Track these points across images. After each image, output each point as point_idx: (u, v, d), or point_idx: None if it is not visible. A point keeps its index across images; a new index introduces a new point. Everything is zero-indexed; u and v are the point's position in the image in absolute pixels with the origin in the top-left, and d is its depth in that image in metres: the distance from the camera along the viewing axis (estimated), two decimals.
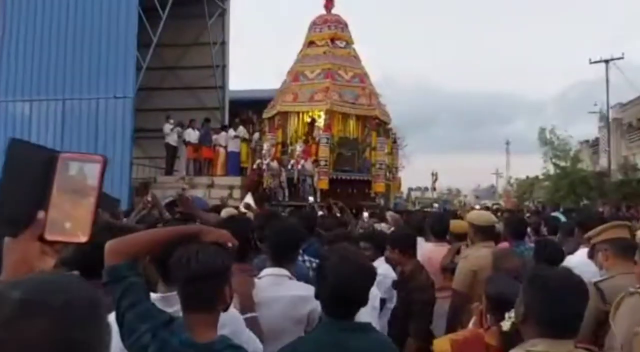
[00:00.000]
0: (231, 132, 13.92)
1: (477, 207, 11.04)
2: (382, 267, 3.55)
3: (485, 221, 3.63)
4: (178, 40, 18.02)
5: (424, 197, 58.76)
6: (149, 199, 5.08)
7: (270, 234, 2.74)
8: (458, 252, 4.33)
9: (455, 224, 4.67)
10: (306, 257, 3.36)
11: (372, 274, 1.87)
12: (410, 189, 52.11)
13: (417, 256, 4.41)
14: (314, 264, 3.25)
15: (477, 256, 3.46)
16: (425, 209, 18.78)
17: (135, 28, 13.85)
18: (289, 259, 2.66)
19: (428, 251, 4.32)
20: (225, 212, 6.91)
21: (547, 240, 3.51)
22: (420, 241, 4.80)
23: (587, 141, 31.38)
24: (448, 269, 4.03)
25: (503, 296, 2.01)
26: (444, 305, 3.93)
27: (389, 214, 8.05)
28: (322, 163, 12.09)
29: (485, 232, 3.60)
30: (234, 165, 13.90)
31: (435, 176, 49.77)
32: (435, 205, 13.22)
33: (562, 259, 3.06)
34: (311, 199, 11.12)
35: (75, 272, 2.14)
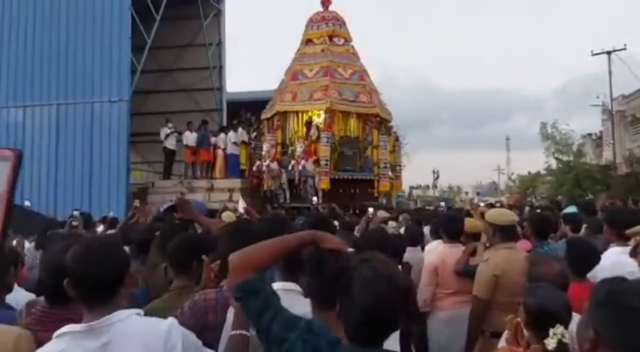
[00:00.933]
0: (231, 135, 13.61)
1: (482, 204, 10.72)
2: None
3: (506, 220, 3.32)
4: (173, 42, 17.79)
5: (425, 195, 58.53)
6: (137, 205, 4.89)
7: None
8: (473, 253, 4.04)
9: (468, 223, 4.38)
10: None
11: (409, 291, 1.57)
12: (411, 188, 51.85)
13: (431, 257, 4.14)
14: None
15: (498, 259, 3.16)
16: (428, 207, 18.49)
17: (128, 30, 13.59)
18: (300, 272, 2.31)
19: (442, 252, 4.03)
20: (225, 216, 6.63)
21: (580, 240, 3.18)
22: (433, 242, 4.51)
23: (589, 135, 31.05)
24: (467, 275, 3.73)
25: (546, 309, 1.73)
26: (460, 311, 3.65)
27: (378, 212, 7.78)
28: (323, 163, 11.81)
29: (507, 232, 3.29)
30: (233, 167, 13.60)
31: (436, 174, 49.59)
32: (442, 204, 12.88)
33: (598, 261, 2.75)
34: (315, 199, 10.83)
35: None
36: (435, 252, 4.04)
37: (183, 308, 2.16)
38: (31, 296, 2.44)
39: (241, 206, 9.07)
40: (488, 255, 3.25)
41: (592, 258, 2.77)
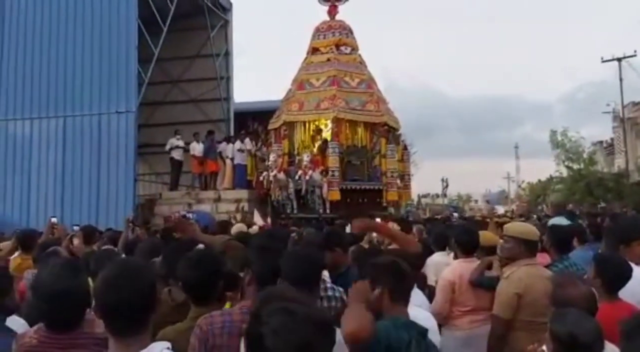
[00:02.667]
0: (238, 144, 13.54)
1: (498, 211, 10.53)
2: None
3: (531, 235, 3.14)
4: (181, 53, 17.82)
5: (434, 203, 58.17)
6: (130, 219, 4.84)
7: (288, 260, 2.29)
8: (489, 268, 3.87)
9: (483, 236, 4.20)
10: (328, 285, 2.77)
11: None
12: (419, 196, 51.53)
13: (446, 273, 3.95)
14: (336, 294, 2.77)
15: (520, 276, 2.99)
16: (436, 216, 18.26)
17: (135, 42, 13.58)
18: (306, 291, 2.16)
19: (457, 268, 3.83)
20: (236, 229, 6.54)
21: (611, 255, 2.97)
22: (444, 256, 4.34)
23: (600, 142, 30.74)
24: (481, 286, 3.55)
25: (577, 339, 1.57)
26: (478, 330, 3.47)
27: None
28: (332, 173, 11.67)
29: (529, 248, 3.11)
30: (240, 178, 13.50)
31: (445, 182, 49.32)
32: (455, 214, 12.60)
33: (629, 277, 2.55)
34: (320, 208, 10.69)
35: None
36: (450, 267, 3.86)
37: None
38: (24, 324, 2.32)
39: (258, 221, 9.00)
40: (509, 272, 3.07)
41: (624, 274, 2.56)
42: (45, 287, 1.80)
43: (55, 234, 5.33)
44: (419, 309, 2.48)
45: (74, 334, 1.75)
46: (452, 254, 4.47)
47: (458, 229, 4.36)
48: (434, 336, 2.31)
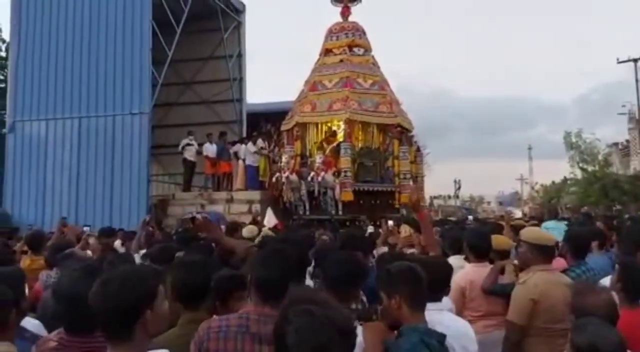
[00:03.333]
0: (250, 146, 13.57)
1: (515, 215, 10.40)
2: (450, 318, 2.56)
3: (545, 240, 3.10)
4: (194, 54, 17.93)
5: (446, 205, 57.90)
6: (147, 219, 4.87)
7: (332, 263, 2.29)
8: (502, 272, 3.82)
9: (496, 240, 4.15)
10: None
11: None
12: (432, 198, 51.25)
13: (456, 278, 3.92)
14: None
15: (536, 282, 2.95)
16: (449, 218, 18.15)
17: (149, 43, 13.69)
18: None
19: (469, 273, 3.78)
20: (247, 231, 6.53)
21: (634, 262, 2.91)
22: (459, 260, 4.29)
23: (616, 144, 30.35)
24: (494, 294, 3.51)
25: (598, 349, 1.54)
26: (491, 335, 3.42)
27: (401, 227, 7.52)
28: (345, 174, 11.65)
29: (545, 253, 3.06)
30: (252, 179, 13.54)
31: (458, 184, 49.01)
32: (470, 217, 12.49)
33: None
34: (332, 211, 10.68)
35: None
36: (462, 272, 3.81)
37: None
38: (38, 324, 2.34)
39: (270, 222, 9.00)
40: (525, 277, 3.03)
41: None
42: (65, 290, 1.84)
43: (65, 235, 5.37)
44: (450, 315, 2.44)
45: (93, 337, 1.77)
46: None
47: (470, 233, 4.30)
48: (471, 344, 2.28)
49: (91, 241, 4.93)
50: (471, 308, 3.66)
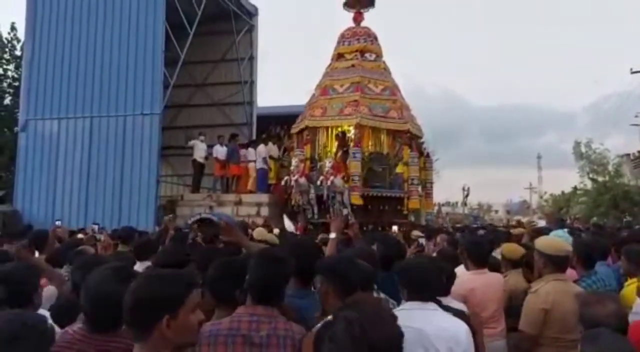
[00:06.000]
0: (262, 150, 13.60)
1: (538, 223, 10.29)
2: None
3: (558, 250, 3.06)
4: (206, 57, 18.03)
5: (454, 212, 57.58)
6: (170, 218, 4.91)
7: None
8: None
9: (507, 248, 4.13)
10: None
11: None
12: (439, 204, 50.98)
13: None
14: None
15: (548, 291, 2.92)
16: (457, 225, 18.07)
17: (162, 45, 13.79)
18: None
19: (469, 280, 3.72)
20: (257, 233, 6.52)
21: None
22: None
23: (627, 155, 30.06)
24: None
25: None
26: (494, 344, 3.42)
27: (412, 233, 7.48)
28: (355, 179, 11.64)
29: (558, 263, 3.04)
30: (261, 182, 13.57)
31: (466, 191, 48.75)
32: (482, 232, 12.34)
33: None
34: (345, 211, 10.65)
35: None
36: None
37: None
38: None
39: (290, 227, 9.03)
40: (537, 286, 3.01)
41: None
42: (90, 289, 1.87)
43: (58, 237, 5.40)
44: (442, 315, 2.44)
45: (109, 337, 1.79)
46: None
47: (468, 240, 4.28)
48: (457, 346, 2.27)
49: (102, 237, 4.98)
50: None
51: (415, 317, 2.19)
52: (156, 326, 1.52)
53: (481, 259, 3.90)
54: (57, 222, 5.72)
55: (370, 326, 1.27)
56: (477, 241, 4.27)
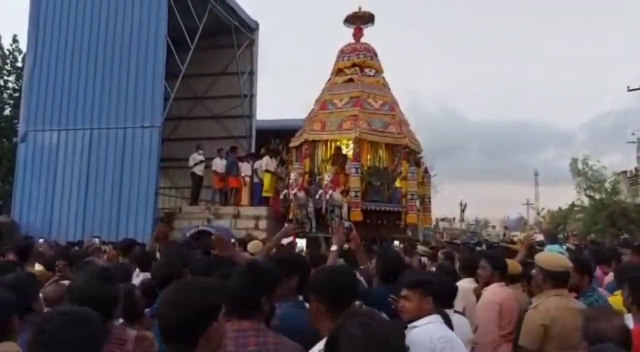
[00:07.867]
0: (262, 164, 13.64)
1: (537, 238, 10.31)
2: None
3: (559, 266, 3.08)
4: (207, 70, 18.14)
5: (452, 228, 57.54)
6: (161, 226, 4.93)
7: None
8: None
9: (509, 265, 4.14)
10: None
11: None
12: (437, 220, 50.99)
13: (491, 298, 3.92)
14: None
15: (548, 307, 2.94)
16: (455, 241, 18.05)
17: (163, 58, 13.89)
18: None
19: (502, 292, 3.81)
20: (252, 246, 6.51)
21: None
22: (472, 283, 4.29)
23: (625, 172, 30.21)
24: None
25: None
26: None
27: (418, 248, 7.48)
28: (354, 194, 11.65)
29: (559, 279, 3.05)
30: (256, 195, 13.61)
31: (463, 206, 48.75)
32: (482, 247, 12.33)
33: None
34: (347, 224, 10.64)
35: None
36: (490, 292, 3.83)
37: None
38: None
39: (285, 240, 8.98)
40: (537, 302, 3.03)
41: None
42: (75, 291, 1.89)
43: (39, 252, 5.44)
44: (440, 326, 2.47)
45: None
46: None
47: (463, 254, 4.37)
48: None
49: (108, 248, 5.01)
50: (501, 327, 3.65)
51: None
52: (204, 335, 1.54)
53: (471, 272, 4.09)
54: (41, 240, 5.78)
55: (387, 330, 1.30)
56: (469, 256, 4.39)
